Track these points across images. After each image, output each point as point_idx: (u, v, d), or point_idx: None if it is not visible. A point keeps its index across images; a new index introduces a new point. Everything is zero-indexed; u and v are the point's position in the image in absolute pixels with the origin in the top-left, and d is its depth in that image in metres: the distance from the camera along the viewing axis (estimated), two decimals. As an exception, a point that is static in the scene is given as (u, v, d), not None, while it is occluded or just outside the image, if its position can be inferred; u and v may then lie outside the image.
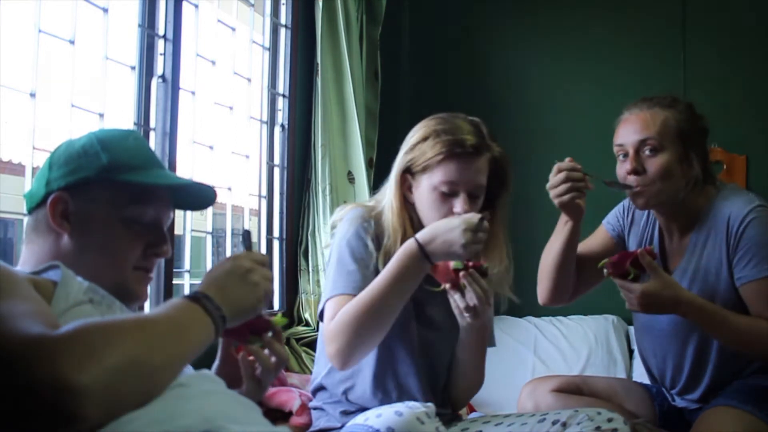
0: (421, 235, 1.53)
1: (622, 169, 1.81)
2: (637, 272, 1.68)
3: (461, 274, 1.51)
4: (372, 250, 1.63)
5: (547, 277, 1.91)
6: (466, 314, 1.54)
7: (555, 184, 1.74)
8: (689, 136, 1.77)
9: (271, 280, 1.16)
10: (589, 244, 1.99)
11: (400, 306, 1.56)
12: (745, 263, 1.72)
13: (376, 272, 1.59)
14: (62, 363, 0.77)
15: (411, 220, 1.65)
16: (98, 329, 0.84)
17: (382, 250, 1.63)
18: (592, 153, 3.17)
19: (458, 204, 1.59)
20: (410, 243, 1.54)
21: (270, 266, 1.17)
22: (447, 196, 1.60)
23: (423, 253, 1.52)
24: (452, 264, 1.51)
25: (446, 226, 1.52)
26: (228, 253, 2.70)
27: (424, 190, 1.62)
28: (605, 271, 1.70)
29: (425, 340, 1.70)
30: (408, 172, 1.65)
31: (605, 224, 2.03)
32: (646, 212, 1.94)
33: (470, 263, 1.52)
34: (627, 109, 1.83)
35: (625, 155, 1.80)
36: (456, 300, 1.53)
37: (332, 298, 1.60)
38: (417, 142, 1.64)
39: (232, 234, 2.60)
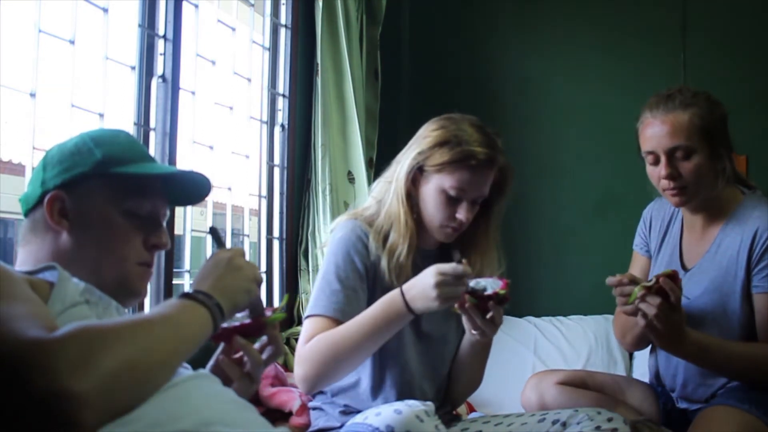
0: (405, 285, 1.55)
1: (654, 172, 1.81)
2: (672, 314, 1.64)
3: (467, 305, 1.53)
4: (361, 268, 1.65)
5: (627, 341, 1.99)
6: (474, 332, 1.59)
7: (615, 294, 1.72)
8: (714, 130, 1.77)
9: (255, 266, 1.18)
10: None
11: (374, 349, 1.58)
12: (765, 274, 1.75)
13: (371, 285, 1.63)
14: (58, 369, 0.78)
15: (413, 214, 1.69)
16: (94, 332, 0.84)
17: (387, 247, 1.65)
18: (592, 152, 3.20)
19: (461, 211, 1.65)
20: (395, 292, 1.55)
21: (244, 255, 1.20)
22: (452, 200, 1.65)
23: (404, 300, 1.53)
24: (467, 298, 1.52)
25: (424, 273, 1.52)
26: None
27: (432, 189, 1.66)
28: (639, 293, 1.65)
29: (423, 349, 1.72)
30: (418, 169, 1.68)
31: (635, 248, 2.06)
32: (670, 205, 1.96)
33: (486, 293, 1.53)
34: (649, 110, 1.80)
35: (656, 160, 1.79)
36: (466, 320, 1.58)
37: (310, 318, 1.61)
38: (434, 145, 1.66)
39: (233, 234, 2.60)
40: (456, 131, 1.66)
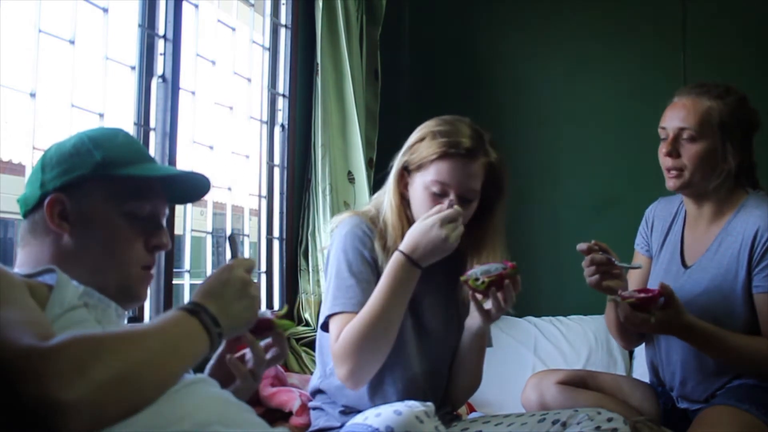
0: (404, 246, 1.57)
1: (662, 149, 1.86)
2: (658, 313, 1.68)
3: (492, 289, 1.56)
4: (371, 260, 1.65)
5: (617, 336, 2.03)
6: (480, 314, 1.60)
7: (584, 266, 1.77)
8: (730, 129, 1.81)
9: (258, 291, 1.17)
10: (634, 278, 1.99)
11: (401, 316, 1.59)
12: (765, 273, 1.75)
13: (377, 278, 1.61)
14: (49, 379, 0.77)
15: (407, 217, 1.68)
16: (88, 343, 0.84)
17: (387, 252, 1.64)
18: (592, 152, 3.20)
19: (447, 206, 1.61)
20: (397, 256, 1.57)
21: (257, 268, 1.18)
22: (437, 197, 1.62)
23: (411, 262, 1.56)
24: (473, 285, 1.56)
25: (422, 228, 1.55)
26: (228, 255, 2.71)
27: (418, 188, 1.65)
28: (618, 298, 1.71)
29: (424, 348, 1.72)
30: (405, 170, 1.68)
31: (636, 247, 2.07)
32: (673, 205, 1.98)
33: (493, 276, 1.55)
34: (678, 92, 1.88)
35: (666, 136, 1.85)
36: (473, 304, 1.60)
37: (334, 317, 1.62)
38: (415, 142, 1.67)
39: (233, 234, 2.59)
40: (436, 126, 1.65)
